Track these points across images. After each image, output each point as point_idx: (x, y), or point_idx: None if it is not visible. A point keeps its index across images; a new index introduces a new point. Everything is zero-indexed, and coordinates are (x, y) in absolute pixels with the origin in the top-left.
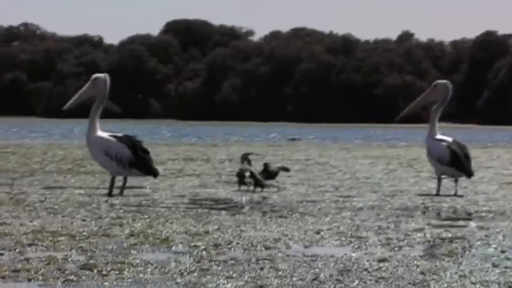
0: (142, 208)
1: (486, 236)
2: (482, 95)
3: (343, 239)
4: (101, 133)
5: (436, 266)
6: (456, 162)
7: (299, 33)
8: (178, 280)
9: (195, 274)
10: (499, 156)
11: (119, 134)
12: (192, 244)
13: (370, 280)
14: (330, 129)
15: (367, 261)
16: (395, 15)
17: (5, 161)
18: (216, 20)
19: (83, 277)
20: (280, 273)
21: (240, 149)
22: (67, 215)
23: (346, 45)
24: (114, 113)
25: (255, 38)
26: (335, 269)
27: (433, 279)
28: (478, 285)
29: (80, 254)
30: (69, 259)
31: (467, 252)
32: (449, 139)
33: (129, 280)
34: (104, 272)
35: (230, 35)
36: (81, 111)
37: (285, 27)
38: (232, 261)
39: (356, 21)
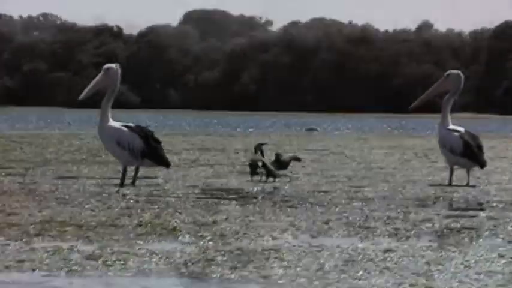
0: (152, 198)
1: (495, 226)
2: (502, 84)
3: (351, 229)
4: (113, 123)
5: (441, 256)
6: (468, 153)
7: (318, 24)
8: (183, 270)
9: (200, 264)
10: None
11: (131, 124)
12: (199, 234)
13: (375, 270)
14: (349, 119)
15: (373, 251)
16: (415, 5)
17: (20, 151)
18: (235, 10)
19: (87, 267)
20: (285, 263)
21: (257, 140)
22: (77, 205)
23: (365, 35)
24: (134, 103)
25: (274, 28)
26: (340, 259)
27: (438, 270)
28: (482, 276)
29: (86, 244)
30: (75, 249)
31: (474, 242)
32: (462, 129)
33: (133, 270)
34: (108, 262)
35: (249, 25)
36: (101, 101)
37: (304, 18)
38: (237, 252)
39: (375, 11)
